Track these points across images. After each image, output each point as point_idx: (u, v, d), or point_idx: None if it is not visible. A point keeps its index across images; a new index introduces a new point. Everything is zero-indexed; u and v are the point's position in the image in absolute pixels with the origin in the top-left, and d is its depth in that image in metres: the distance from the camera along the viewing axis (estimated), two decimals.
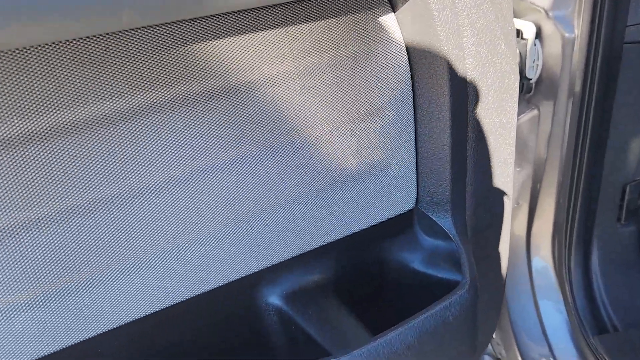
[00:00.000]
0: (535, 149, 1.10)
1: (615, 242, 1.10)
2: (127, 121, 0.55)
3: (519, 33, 1.07)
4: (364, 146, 0.72)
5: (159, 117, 0.57)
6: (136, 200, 0.58)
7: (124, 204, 0.57)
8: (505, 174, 0.82)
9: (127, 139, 0.56)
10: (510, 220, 0.86)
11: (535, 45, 1.06)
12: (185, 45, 0.57)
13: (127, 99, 0.55)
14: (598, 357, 1.00)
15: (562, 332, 1.07)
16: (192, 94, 0.58)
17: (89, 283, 0.57)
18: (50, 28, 0.46)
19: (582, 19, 0.96)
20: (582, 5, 0.95)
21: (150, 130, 0.57)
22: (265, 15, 0.61)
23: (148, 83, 0.56)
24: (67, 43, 0.51)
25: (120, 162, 0.56)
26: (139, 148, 0.56)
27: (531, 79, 1.09)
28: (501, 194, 0.83)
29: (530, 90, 1.09)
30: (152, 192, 0.58)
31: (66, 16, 0.45)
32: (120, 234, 0.58)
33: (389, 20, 0.70)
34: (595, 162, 1.04)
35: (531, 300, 1.08)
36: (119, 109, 0.55)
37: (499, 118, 0.78)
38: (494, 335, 1.21)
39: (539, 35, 1.06)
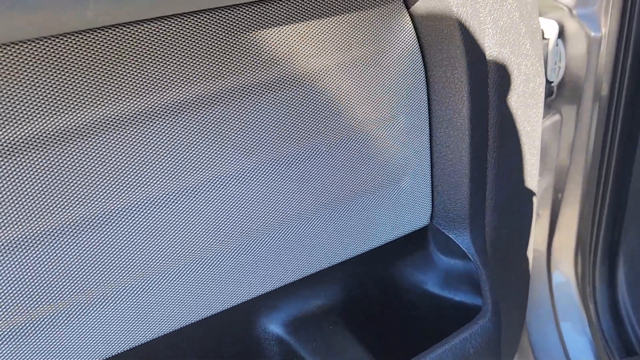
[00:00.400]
0: (556, 156, 1.03)
1: None
2: (118, 129, 0.48)
3: None
4: (373, 157, 0.65)
5: (148, 127, 0.50)
6: (120, 219, 0.51)
7: (111, 222, 0.50)
8: (529, 186, 0.75)
9: (116, 150, 0.49)
10: (533, 236, 0.79)
11: (557, 45, 0.99)
12: (178, 45, 0.50)
13: (120, 104, 0.48)
14: None
15: (586, 355, 0.99)
16: (182, 100, 0.51)
17: (67, 313, 0.51)
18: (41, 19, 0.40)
19: (610, 16, 0.88)
20: (610, 1, 0.88)
21: (139, 141, 0.50)
22: (261, 12, 0.54)
23: (139, 88, 0.49)
24: (56, 38, 0.45)
25: (109, 175, 0.49)
26: (126, 161, 0.50)
27: (553, 82, 1.01)
28: (524, 208, 0.75)
29: (552, 94, 1.02)
30: (141, 211, 0.52)
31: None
32: (107, 256, 0.51)
33: (401, 18, 0.63)
34: (622, 170, 0.97)
35: (552, 320, 1.01)
36: (111, 114, 0.48)
37: (523, 125, 0.71)
38: None
39: (561, 34, 0.99)
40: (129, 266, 0.52)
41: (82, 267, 0.50)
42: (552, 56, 1.00)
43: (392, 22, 0.62)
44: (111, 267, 0.52)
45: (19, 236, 0.47)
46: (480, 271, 0.69)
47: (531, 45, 0.68)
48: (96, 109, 0.48)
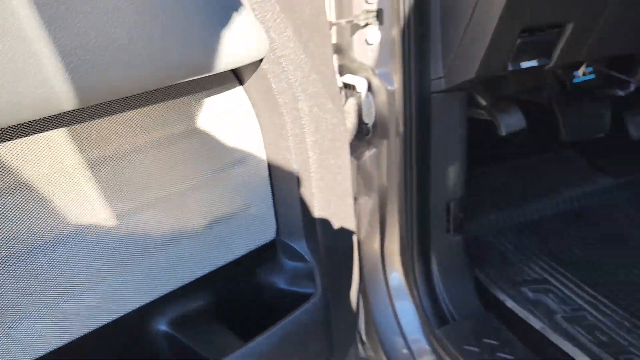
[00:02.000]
0: (378, 181, 1.34)
1: (447, 250, 1.36)
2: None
3: (353, 87, 1.32)
4: (228, 192, 0.89)
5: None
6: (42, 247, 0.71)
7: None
8: (346, 203, 1.03)
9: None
10: (357, 240, 1.07)
11: (368, 96, 1.31)
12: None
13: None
14: (441, 344, 1.24)
15: (413, 327, 1.30)
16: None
17: None
18: None
19: (397, 75, 1.21)
20: (395, 65, 1.21)
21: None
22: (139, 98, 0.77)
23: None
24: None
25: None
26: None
27: (368, 124, 1.33)
28: (344, 220, 1.04)
29: (369, 133, 1.33)
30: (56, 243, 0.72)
31: None
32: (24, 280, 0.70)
33: (238, 92, 0.89)
34: (422, 187, 1.29)
35: (389, 305, 1.30)
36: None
37: (334, 160, 0.99)
38: (365, 341, 1.41)
39: (370, 87, 1.31)
40: (35, 285, 0.71)
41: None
42: (365, 104, 1.32)
43: (231, 96, 0.88)
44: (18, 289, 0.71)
45: None
46: (313, 268, 0.96)
47: (333, 104, 0.97)
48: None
